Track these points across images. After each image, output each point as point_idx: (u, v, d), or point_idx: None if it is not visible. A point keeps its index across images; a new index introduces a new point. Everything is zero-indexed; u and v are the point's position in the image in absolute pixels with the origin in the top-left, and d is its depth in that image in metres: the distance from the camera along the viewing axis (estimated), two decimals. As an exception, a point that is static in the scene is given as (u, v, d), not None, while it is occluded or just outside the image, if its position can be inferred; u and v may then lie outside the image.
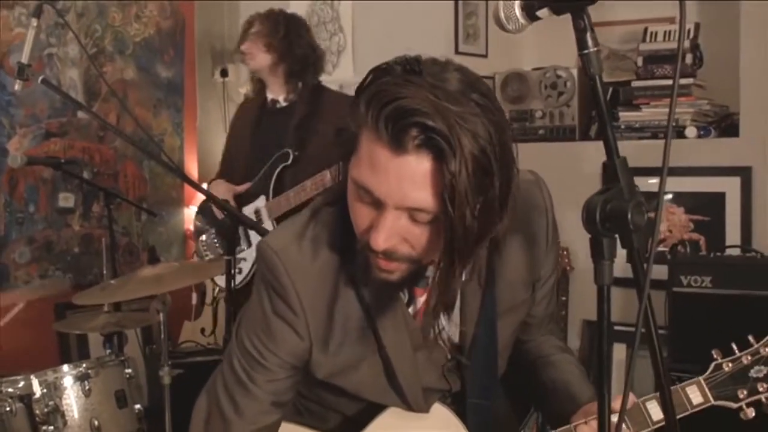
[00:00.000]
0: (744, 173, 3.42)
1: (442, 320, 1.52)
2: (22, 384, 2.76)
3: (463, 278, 1.48)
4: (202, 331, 4.44)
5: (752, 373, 1.65)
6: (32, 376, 2.77)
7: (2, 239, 4.04)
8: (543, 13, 1.18)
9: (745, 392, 1.64)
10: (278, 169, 3.44)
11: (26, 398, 2.73)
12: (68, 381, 2.84)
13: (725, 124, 3.64)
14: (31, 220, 4.15)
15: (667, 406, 1.25)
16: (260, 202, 3.48)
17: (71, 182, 4.23)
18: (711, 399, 1.63)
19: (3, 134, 4.04)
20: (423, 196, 1.26)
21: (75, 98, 3.83)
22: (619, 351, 3.59)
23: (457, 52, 4.11)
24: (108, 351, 3.36)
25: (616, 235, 1.14)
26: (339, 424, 1.66)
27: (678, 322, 3.08)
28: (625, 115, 3.70)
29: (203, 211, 3.71)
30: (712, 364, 1.66)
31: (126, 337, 3.73)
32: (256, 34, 3.48)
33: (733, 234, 3.44)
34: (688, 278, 3.08)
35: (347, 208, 1.38)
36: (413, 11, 4.12)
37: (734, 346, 1.67)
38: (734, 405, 1.64)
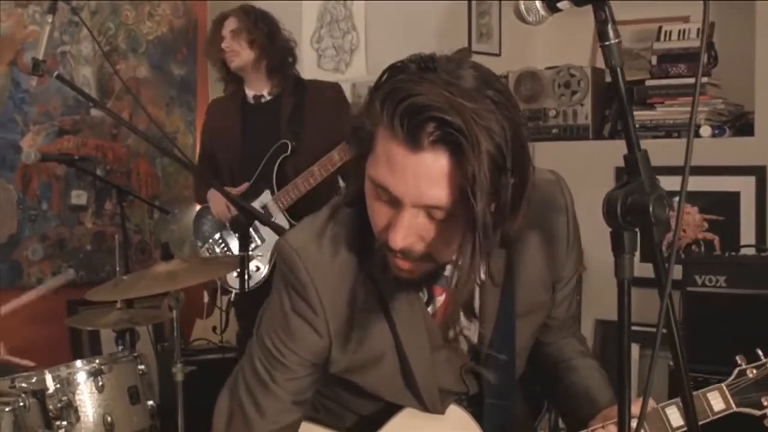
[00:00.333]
0: (759, 172, 3.41)
1: (462, 320, 1.52)
2: (35, 379, 2.76)
3: (482, 278, 1.47)
4: (214, 329, 4.44)
5: None
6: (46, 372, 2.77)
7: (15, 236, 4.06)
8: (564, 4, 1.17)
9: (770, 399, 1.60)
10: (278, 162, 3.45)
11: (39, 393, 2.73)
12: (81, 377, 2.83)
13: (740, 124, 3.62)
14: (44, 218, 4.17)
15: (688, 410, 1.23)
16: (265, 197, 3.48)
17: (84, 180, 4.24)
18: (733, 406, 1.59)
19: (16, 131, 4.05)
20: (440, 193, 1.26)
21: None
22: (632, 351, 3.58)
23: (470, 51, 4.09)
24: (120, 348, 3.36)
25: (637, 229, 1.13)
26: (355, 424, 1.65)
27: (692, 322, 3.06)
28: (639, 114, 3.68)
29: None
30: (736, 370, 1.62)
31: (138, 334, 3.74)
32: (236, 31, 3.49)
33: (747, 233, 3.42)
34: (702, 278, 3.06)
35: (365, 209, 1.38)
36: (426, 10, 4.11)
37: (759, 352, 1.63)
38: (758, 412, 1.60)
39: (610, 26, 1.13)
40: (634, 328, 3.71)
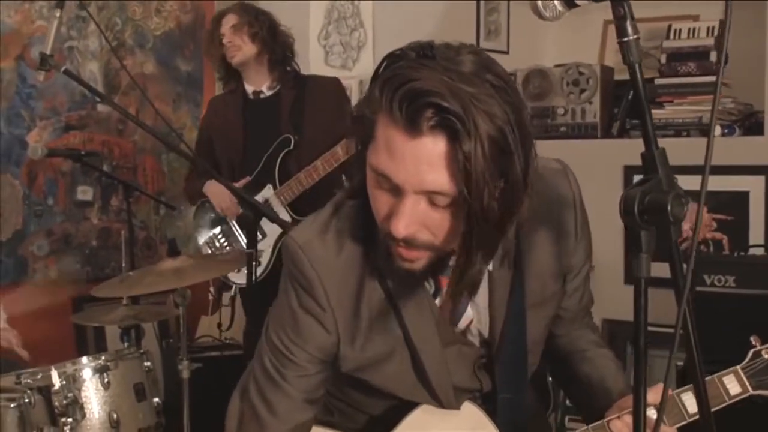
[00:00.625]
0: (768, 172, 3.39)
1: (470, 311, 1.51)
2: (40, 376, 2.75)
3: (490, 267, 1.46)
4: (219, 326, 4.43)
5: None
6: (52, 368, 2.76)
7: (21, 232, 4.05)
8: (581, 0, 1.16)
9: (787, 380, 1.55)
10: (280, 156, 3.45)
11: (45, 390, 2.72)
12: (87, 373, 2.82)
13: (749, 123, 3.61)
14: (49, 213, 4.16)
15: (701, 396, 1.21)
16: (267, 191, 3.48)
17: (90, 175, 4.23)
18: (750, 388, 1.56)
19: (23, 126, 4.05)
20: (440, 178, 1.25)
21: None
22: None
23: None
24: (125, 344, 3.35)
25: (654, 228, 1.12)
26: (369, 425, 1.64)
27: (701, 321, 3.04)
28: (648, 113, 3.66)
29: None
30: (751, 351, 1.59)
31: (143, 331, 3.72)
32: (237, 26, 3.50)
33: (756, 233, 3.41)
34: (711, 278, 3.04)
35: (369, 201, 1.37)
36: (434, 7, 4.10)
37: None
38: None
39: (628, 22, 1.12)
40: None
